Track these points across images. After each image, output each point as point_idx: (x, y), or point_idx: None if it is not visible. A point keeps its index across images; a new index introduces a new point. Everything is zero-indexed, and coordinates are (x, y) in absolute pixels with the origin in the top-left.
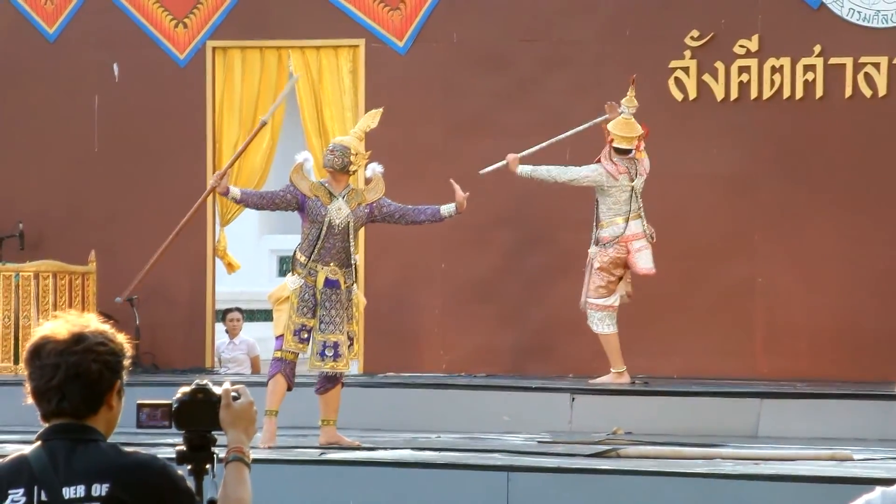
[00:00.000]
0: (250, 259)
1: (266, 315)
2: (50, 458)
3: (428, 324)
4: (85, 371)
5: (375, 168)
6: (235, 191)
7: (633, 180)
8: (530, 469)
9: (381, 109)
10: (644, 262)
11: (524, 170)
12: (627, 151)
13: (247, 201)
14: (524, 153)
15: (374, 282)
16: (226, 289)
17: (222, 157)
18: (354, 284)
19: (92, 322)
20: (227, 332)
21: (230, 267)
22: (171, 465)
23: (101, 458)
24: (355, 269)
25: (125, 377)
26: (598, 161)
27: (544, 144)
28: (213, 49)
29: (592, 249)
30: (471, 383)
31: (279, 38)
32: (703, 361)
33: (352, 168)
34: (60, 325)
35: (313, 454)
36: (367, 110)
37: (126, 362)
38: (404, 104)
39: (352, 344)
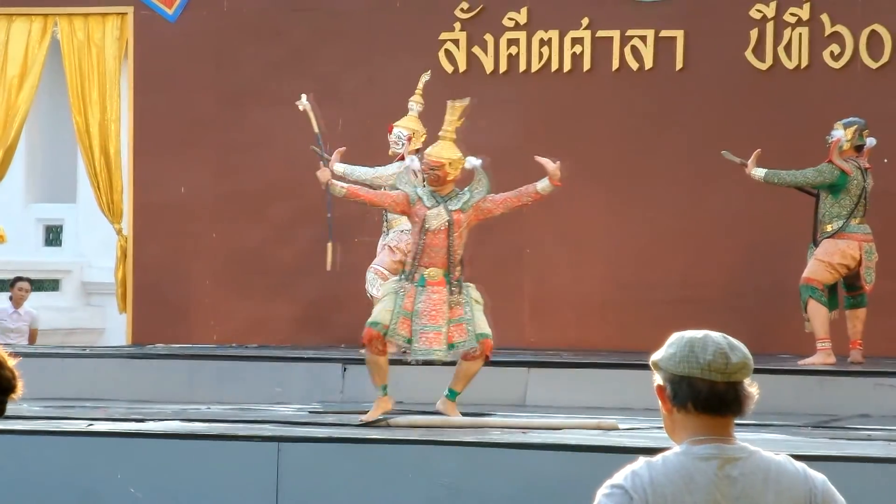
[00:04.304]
0: (16, 228)
1: (37, 286)
2: None
3: (198, 294)
4: None
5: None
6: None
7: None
8: (300, 439)
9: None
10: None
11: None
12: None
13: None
14: None
15: (143, 252)
16: None
17: None
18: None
19: None
20: (11, 300)
21: (0, 238)
22: None
23: None
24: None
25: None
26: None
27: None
28: None
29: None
30: (242, 354)
31: (46, 4)
32: None
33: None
34: None
35: (80, 426)
36: (135, 79)
37: None
38: (175, 73)
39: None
